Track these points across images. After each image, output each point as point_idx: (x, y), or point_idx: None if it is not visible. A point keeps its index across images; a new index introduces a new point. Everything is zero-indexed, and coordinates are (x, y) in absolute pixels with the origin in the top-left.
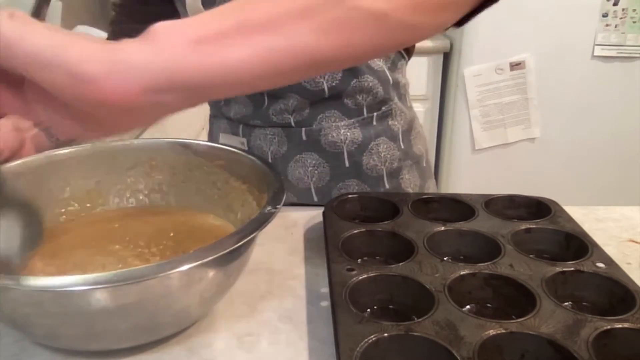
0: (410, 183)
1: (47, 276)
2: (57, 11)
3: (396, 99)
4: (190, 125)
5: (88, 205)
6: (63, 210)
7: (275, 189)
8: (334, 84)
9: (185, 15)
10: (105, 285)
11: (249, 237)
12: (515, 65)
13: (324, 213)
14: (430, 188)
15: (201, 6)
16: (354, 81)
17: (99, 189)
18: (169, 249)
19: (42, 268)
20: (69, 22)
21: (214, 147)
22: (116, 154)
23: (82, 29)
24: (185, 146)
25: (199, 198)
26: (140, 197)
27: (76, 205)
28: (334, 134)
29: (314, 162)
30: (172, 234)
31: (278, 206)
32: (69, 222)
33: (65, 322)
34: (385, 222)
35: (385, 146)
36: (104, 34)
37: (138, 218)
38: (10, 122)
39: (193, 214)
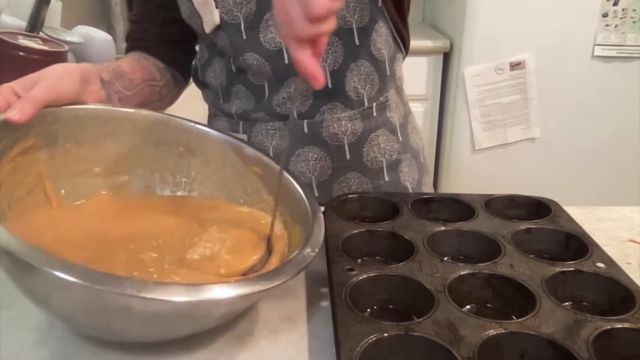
0: (408, 176)
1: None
2: (57, 11)
3: (392, 91)
4: None
5: (113, 170)
6: (84, 168)
7: (316, 228)
8: (335, 68)
9: (195, 15)
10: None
11: (286, 280)
12: (515, 65)
13: (324, 213)
14: (427, 183)
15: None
16: (352, 65)
17: (129, 155)
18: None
19: (81, 254)
20: (69, 22)
21: (255, 152)
22: (155, 125)
23: (82, 29)
24: (225, 140)
25: (225, 196)
26: (166, 175)
27: (101, 166)
28: (335, 126)
29: (315, 155)
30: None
31: (317, 249)
32: (97, 198)
33: (86, 313)
34: (385, 222)
35: (384, 138)
36: (104, 34)
37: (183, 209)
38: (79, 73)
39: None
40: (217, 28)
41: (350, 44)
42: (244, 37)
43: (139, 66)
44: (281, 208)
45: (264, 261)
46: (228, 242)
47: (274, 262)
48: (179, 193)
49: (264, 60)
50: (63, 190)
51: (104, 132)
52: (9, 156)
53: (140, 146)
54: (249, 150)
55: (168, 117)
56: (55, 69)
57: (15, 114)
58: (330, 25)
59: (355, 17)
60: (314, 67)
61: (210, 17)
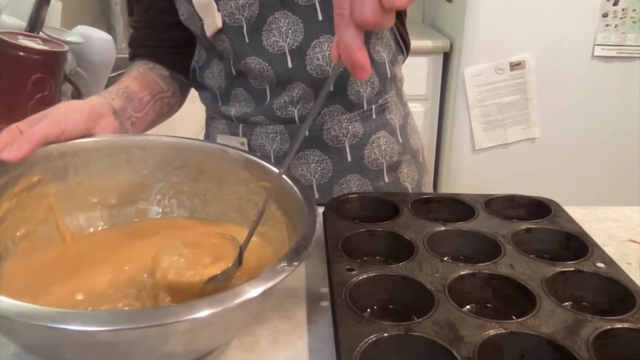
0: (408, 177)
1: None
2: (57, 11)
3: (392, 93)
4: (193, 125)
5: (128, 200)
6: (96, 200)
7: (301, 240)
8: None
9: (195, 18)
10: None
11: (252, 297)
12: (515, 65)
13: (324, 213)
14: (427, 183)
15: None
16: None
17: (144, 182)
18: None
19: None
20: (69, 22)
21: (266, 166)
22: (166, 149)
23: (82, 29)
24: (237, 157)
25: (238, 215)
26: (183, 200)
27: (116, 197)
28: (336, 128)
29: (316, 158)
30: None
31: (295, 263)
32: (106, 230)
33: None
34: (385, 222)
35: (385, 140)
36: (104, 34)
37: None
38: (88, 109)
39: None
40: (219, 31)
41: None
42: (247, 41)
43: (145, 81)
44: (287, 220)
45: (229, 272)
46: (195, 255)
47: (241, 277)
48: (197, 216)
49: (266, 64)
50: (76, 224)
51: (117, 163)
52: (11, 192)
53: (155, 173)
54: (260, 165)
55: (177, 139)
56: (62, 105)
57: (10, 153)
58: (393, 20)
59: None
60: (365, 57)
61: (212, 20)
